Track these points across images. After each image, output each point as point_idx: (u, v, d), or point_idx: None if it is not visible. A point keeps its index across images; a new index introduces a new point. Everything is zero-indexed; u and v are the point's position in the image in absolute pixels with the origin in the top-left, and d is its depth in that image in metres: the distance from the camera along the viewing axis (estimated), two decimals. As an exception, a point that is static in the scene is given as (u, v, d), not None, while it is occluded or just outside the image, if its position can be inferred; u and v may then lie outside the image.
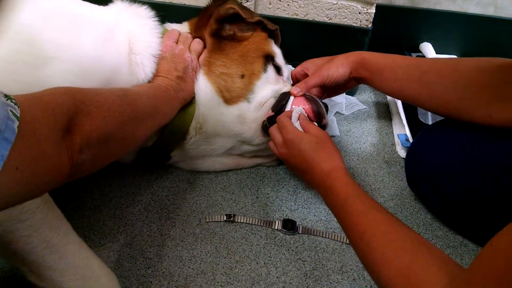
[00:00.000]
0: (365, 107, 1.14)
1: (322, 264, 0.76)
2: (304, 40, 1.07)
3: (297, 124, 0.76)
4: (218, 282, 0.73)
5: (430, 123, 1.01)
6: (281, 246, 0.79)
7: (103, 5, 0.76)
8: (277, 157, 0.81)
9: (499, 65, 0.70)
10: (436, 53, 1.20)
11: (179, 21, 0.89)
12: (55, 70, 0.61)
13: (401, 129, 1.04)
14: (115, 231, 0.80)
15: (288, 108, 0.81)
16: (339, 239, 0.80)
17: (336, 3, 1.01)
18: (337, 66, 0.84)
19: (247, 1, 1.02)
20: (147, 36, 0.76)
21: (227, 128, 0.83)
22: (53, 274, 0.58)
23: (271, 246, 0.79)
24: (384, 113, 1.13)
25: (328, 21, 1.04)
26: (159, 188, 0.89)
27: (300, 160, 0.71)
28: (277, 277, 0.74)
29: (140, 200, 0.86)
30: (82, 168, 0.51)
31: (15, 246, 0.54)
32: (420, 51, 1.23)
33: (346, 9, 1.01)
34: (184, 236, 0.79)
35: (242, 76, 0.82)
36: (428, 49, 1.21)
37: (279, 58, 0.88)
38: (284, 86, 0.87)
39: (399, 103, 1.10)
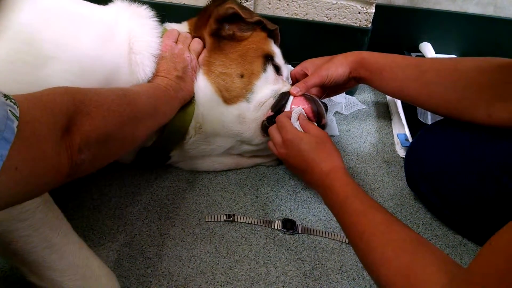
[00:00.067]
0: (364, 106, 1.14)
1: (322, 264, 0.76)
2: (304, 40, 1.07)
3: (296, 124, 0.76)
4: (217, 282, 0.73)
5: (429, 122, 1.00)
6: (280, 245, 0.79)
7: (103, 5, 0.76)
8: (276, 157, 0.81)
9: (499, 65, 0.70)
10: (436, 53, 1.20)
11: (178, 21, 0.89)
12: (54, 69, 0.61)
13: (401, 129, 1.04)
14: (115, 231, 0.80)
15: (287, 108, 0.81)
16: (338, 239, 0.80)
17: (336, 3, 1.01)
18: (336, 66, 0.84)
19: (247, 1, 1.02)
20: (147, 36, 0.76)
21: (227, 128, 0.83)
22: (53, 274, 0.58)
23: (271, 246, 0.79)
24: (384, 113, 1.13)
25: (328, 21, 1.04)
26: (158, 188, 0.88)
27: (299, 160, 0.71)
28: (276, 277, 0.74)
29: (140, 200, 0.86)
30: (82, 168, 0.51)
31: (15, 246, 0.54)
32: (419, 51, 1.23)
33: (345, 9, 1.01)
34: (183, 236, 0.79)
35: (242, 76, 0.82)
36: (427, 49, 1.20)
37: (279, 58, 0.88)
38: (284, 86, 0.87)
39: (398, 103, 1.10)
